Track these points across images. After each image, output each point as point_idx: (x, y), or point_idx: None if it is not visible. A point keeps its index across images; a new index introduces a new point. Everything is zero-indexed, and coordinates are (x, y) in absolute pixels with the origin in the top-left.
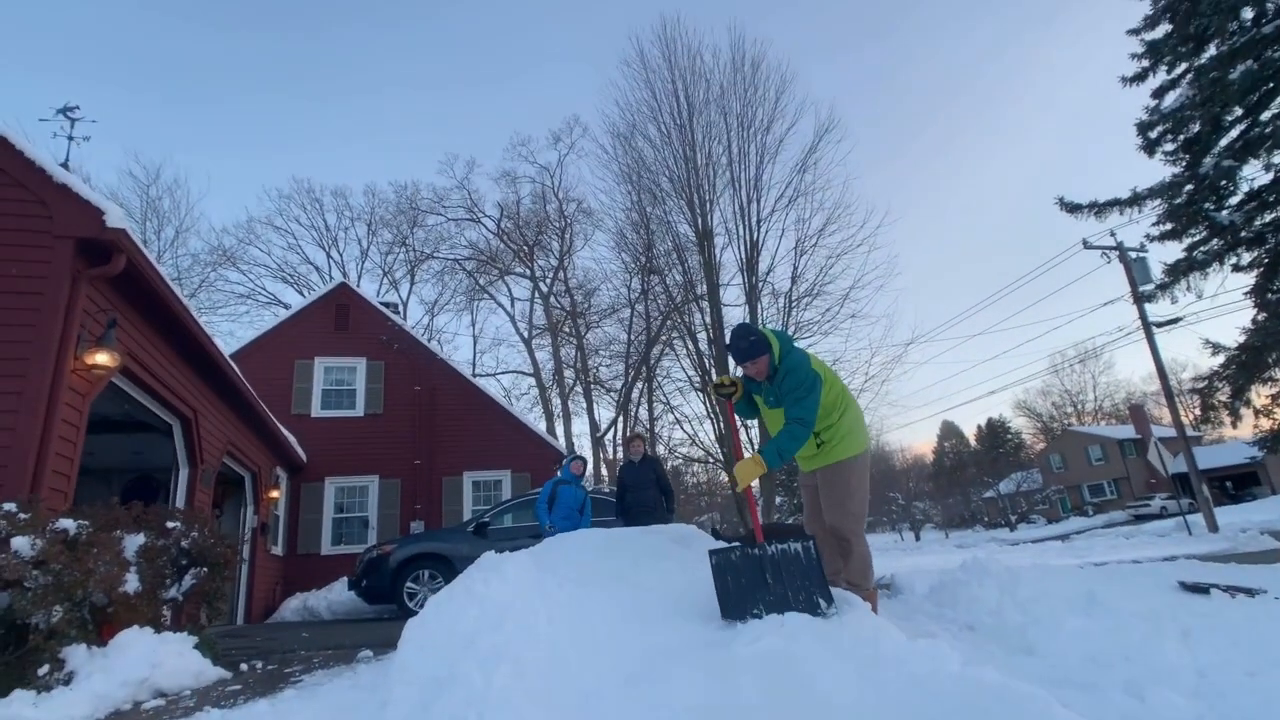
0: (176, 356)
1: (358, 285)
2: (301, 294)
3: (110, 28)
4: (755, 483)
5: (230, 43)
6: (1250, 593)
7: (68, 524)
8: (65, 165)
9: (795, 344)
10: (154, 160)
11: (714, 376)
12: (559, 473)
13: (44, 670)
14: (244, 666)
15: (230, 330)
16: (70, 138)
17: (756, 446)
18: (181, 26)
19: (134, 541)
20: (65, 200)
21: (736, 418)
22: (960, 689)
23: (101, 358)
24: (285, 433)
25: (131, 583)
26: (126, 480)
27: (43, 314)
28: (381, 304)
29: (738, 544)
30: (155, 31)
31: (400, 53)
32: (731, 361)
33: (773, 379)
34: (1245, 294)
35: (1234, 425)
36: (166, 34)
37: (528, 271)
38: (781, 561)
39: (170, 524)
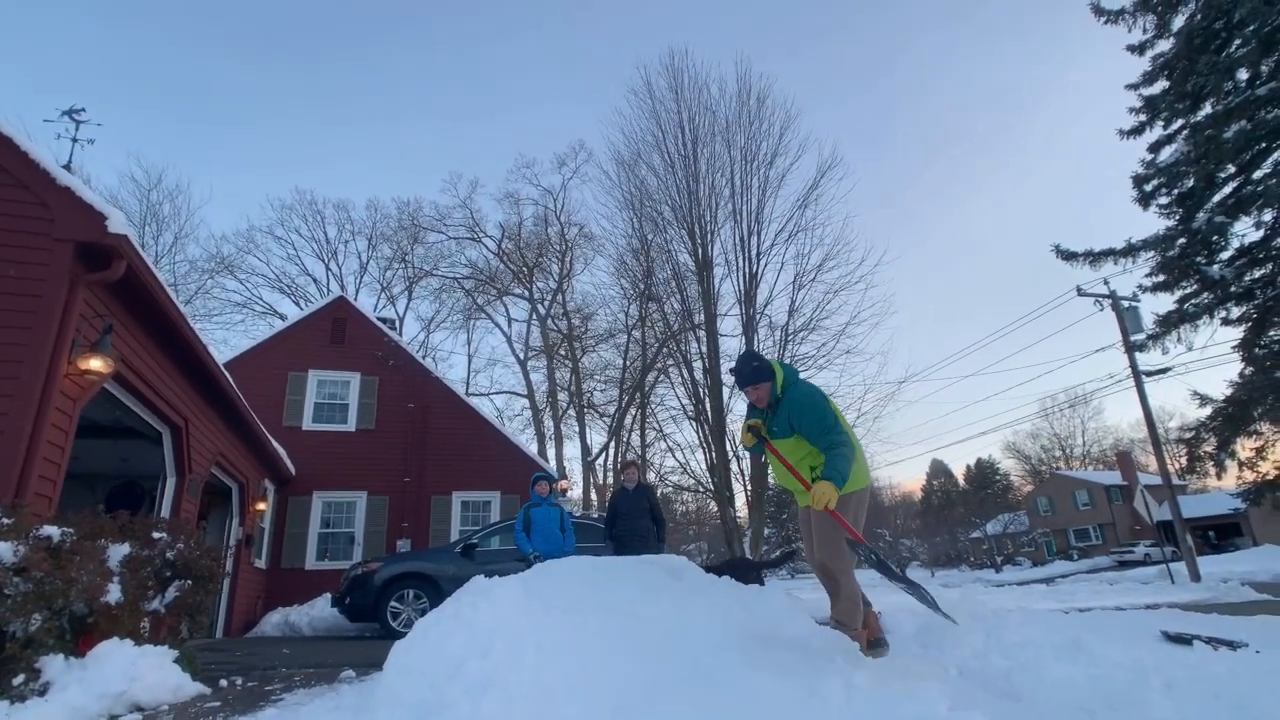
0: (171, 365)
1: (355, 299)
2: (298, 305)
3: (121, 48)
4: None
5: (242, 67)
6: (1232, 645)
7: (51, 531)
8: (68, 167)
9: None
10: (156, 165)
11: (707, 406)
12: (533, 497)
13: (19, 680)
14: (223, 682)
15: (224, 339)
16: (75, 139)
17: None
18: (190, 51)
19: (118, 551)
20: (67, 203)
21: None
22: None
23: (95, 363)
24: (276, 445)
25: (114, 593)
26: (111, 487)
27: (38, 316)
28: (378, 319)
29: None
30: (168, 54)
31: (412, 78)
32: (731, 385)
33: (773, 408)
34: (1233, 348)
35: (1218, 476)
36: (179, 57)
37: (526, 293)
38: None
39: (156, 534)
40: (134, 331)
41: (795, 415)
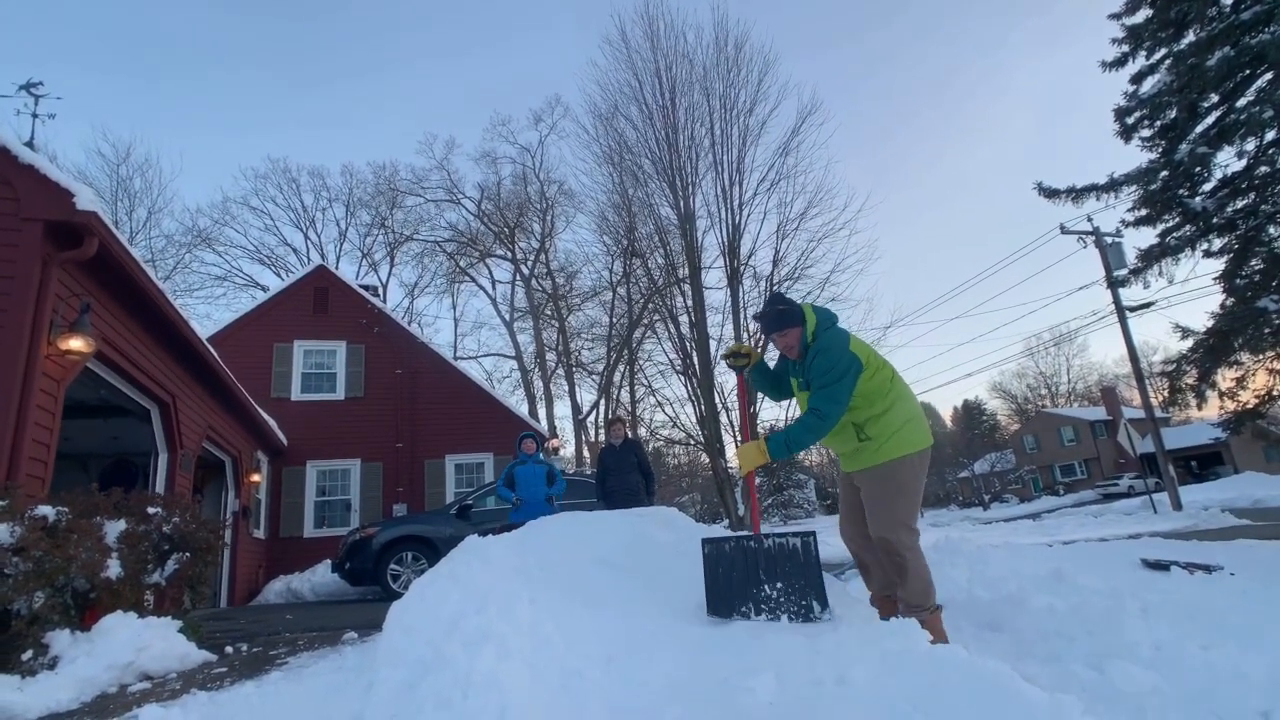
0: (153, 341)
1: (336, 267)
2: (279, 276)
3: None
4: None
5: (197, 18)
6: (1208, 569)
7: (46, 511)
8: (30, 144)
9: (838, 324)
10: (123, 138)
11: (695, 359)
12: (519, 455)
13: (28, 655)
14: (229, 649)
15: (207, 313)
16: (35, 115)
17: (770, 427)
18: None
19: (115, 527)
20: (32, 181)
21: (749, 392)
22: (929, 666)
23: (76, 343)
24: (265, 417)
25: (113, 568)
26: (104, 465)
27: (13, 298)
28: (361, 287)
29: (735, 536)
30: (125, 10)
31: (380, 34)
32: (758, 335)
33: (803, 356)
34: (1215, 279)
35: (1199, 407)
36: (138, 8)
37: (509, 254)
38: (778, 557)
39: (151, 510)
40: (113, 309)
41: (813, 372)
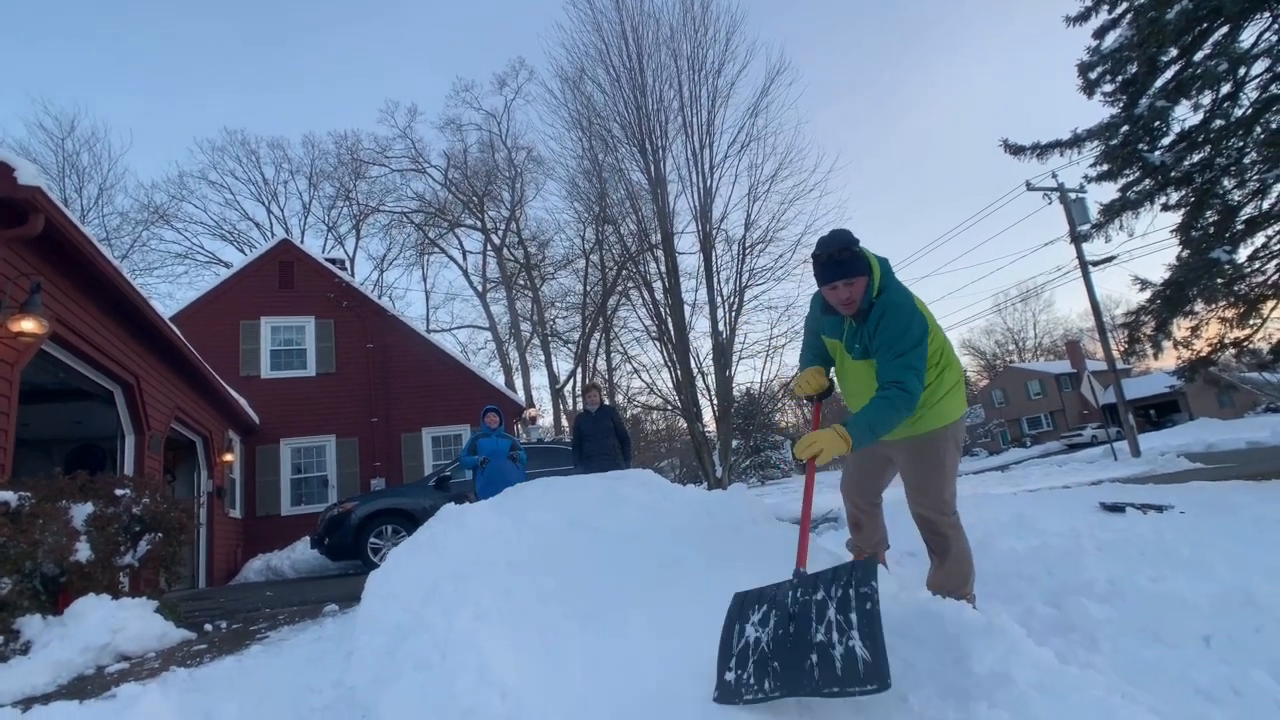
0: (111, 320)
1: (302, 241)
2: (242, 252)
3: None
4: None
5: None
6: (1160, 509)
7: (8, 496)
8: None
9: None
10: (66, 111)
11: (670, 325)
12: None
13: None
14: (208, 627)
15: (169, 291)
16: None
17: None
18: None
19: (82, 510)
20: None
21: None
22: (895, 609)
23: (28, 324)
24: (235, 395)
25: (83, 551)
26: (69, 450)
27: None
28: (327, 260)
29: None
30: None
31: None
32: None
33: (863, 317)
34: (1172, 232)
35: (1155, 357)
36: None
37: (478, 223)
38: (824, 603)
39: (120, 491)
40: (67, 289)
41: (882, 334)
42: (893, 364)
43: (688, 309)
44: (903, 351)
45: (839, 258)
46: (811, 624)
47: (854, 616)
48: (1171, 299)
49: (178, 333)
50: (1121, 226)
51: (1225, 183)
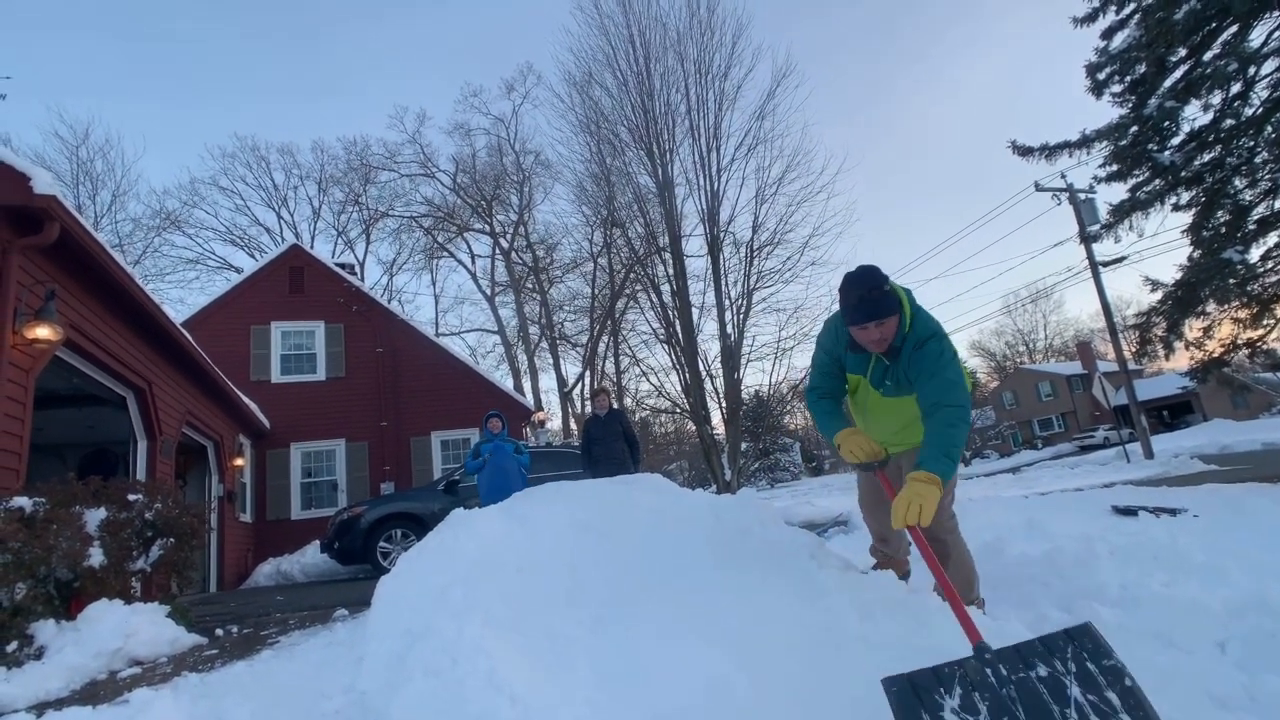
0: (124, 326)
1: (311, 246)
2: (253, 257)
3: None
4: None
5: None
6: (1173, 513)
7: (23, 502)
8: None
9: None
10: (81, 119)
11: (678, 328)
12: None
13: (13, 646)
14: (219, 632)
15: (180, 297)
16: None
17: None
18: None
19: (95, 516)
20: None
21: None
22: (905, 610)
23: (42, 331)
24: (246, 400)
25: (96, 556)
26: (82, 455)
27: None
28: (337, 265)
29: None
30: None
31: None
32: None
33: (894, 354)
34: (1183, 232)
35: (1167, 358)
36: None
37: (487, 227)
38: (1059, 683)
39: (132, 496)
40: (81, 296)
41: (918, 366)
42: (937, 386)
43: (696, 312)
44: (937, 371)
45: (870, 298)
46: (1053, 711)
47: (1111, 697)
48: (1183, 299)
49: (189, 338)
50: (1131, 227)
51: (1236, 182)
